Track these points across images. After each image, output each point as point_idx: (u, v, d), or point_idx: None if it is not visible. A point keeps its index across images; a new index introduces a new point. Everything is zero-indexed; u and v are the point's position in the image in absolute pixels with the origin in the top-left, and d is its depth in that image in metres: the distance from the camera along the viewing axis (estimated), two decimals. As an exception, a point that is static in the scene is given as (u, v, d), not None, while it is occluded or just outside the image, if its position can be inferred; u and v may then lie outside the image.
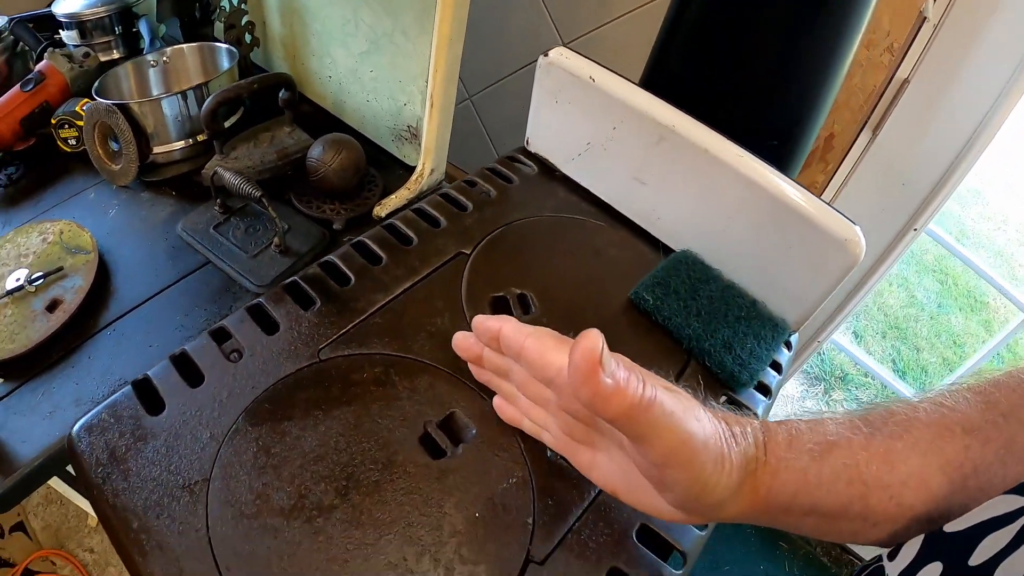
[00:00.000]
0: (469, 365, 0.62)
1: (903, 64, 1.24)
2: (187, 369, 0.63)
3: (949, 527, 0.40)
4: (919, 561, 0.40)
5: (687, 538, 0.57)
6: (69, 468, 0.91)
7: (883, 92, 1.28)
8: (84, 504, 1.02)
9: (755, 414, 0.68)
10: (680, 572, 0.55)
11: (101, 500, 0.54)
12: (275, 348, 0.64)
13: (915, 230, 1.35)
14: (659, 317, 0.72)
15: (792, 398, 2.08)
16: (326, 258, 0.72)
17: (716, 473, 0.44)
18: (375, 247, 0.74)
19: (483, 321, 0.56)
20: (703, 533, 0.58)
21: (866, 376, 2.20)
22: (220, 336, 0.65)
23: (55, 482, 0.96)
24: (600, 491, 0.58)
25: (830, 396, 2.07)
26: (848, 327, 2.45)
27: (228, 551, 0.51)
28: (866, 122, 1.31)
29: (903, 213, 1.35)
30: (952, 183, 1.29)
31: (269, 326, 0.66)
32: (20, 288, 0.88)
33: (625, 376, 0.41)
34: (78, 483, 0.58)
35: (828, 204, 0.70)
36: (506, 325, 0.53)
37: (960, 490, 0.43)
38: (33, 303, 0.88)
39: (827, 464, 0.45)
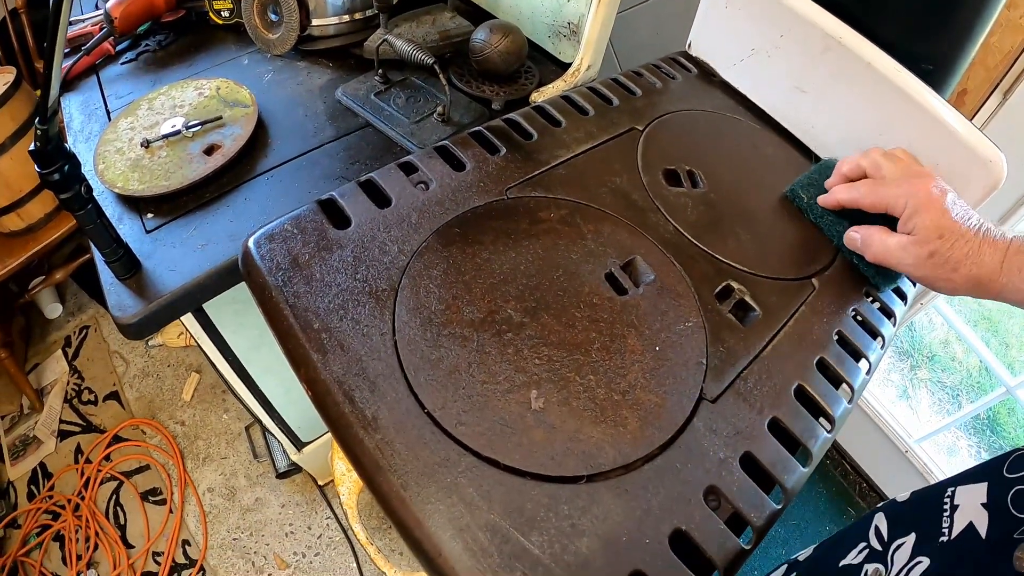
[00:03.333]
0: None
1: None
2: (374, 193, 0.64)
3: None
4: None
5: (836, 405, 0.59)
6: (208, 309, 0.95)
7: (1019, 56, 1.24)
8: (211, 351, 1.05)
9: (893, 315, 0.69)
10: (829, 435, 0.57)
11: (279, 302, 0.55)
12: (463, 183, 0.66)
13: None
14: (811, 215, 0.73)
15: (879, 370, 2.05)
16: (508, 115, 0.74)
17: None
18: (555, 112, 0.75)
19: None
20: (849, 405, 0.59)
21: (953, 360, 2.15)
22: (407, 168, 0.67)
23: (190, 323, 0.98)
24: (765, 346, 0.59)
25: (915, 374, 2.04)
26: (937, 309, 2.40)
27: (415, 354, 0.52)
28: (998, 84, 1.28)
29: (1022, 184, 1.30)
30: (1080, 161, 1.24)
31: (456, 164, 0.68)
32: (177, 133, 0.91)
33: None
34: (253, 291, 0.58)
35: (975, 127, 0.70)
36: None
37: None
38: (190, 147, 0.91)
39: None
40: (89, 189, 0.70)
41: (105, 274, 0.78)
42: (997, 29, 1.24)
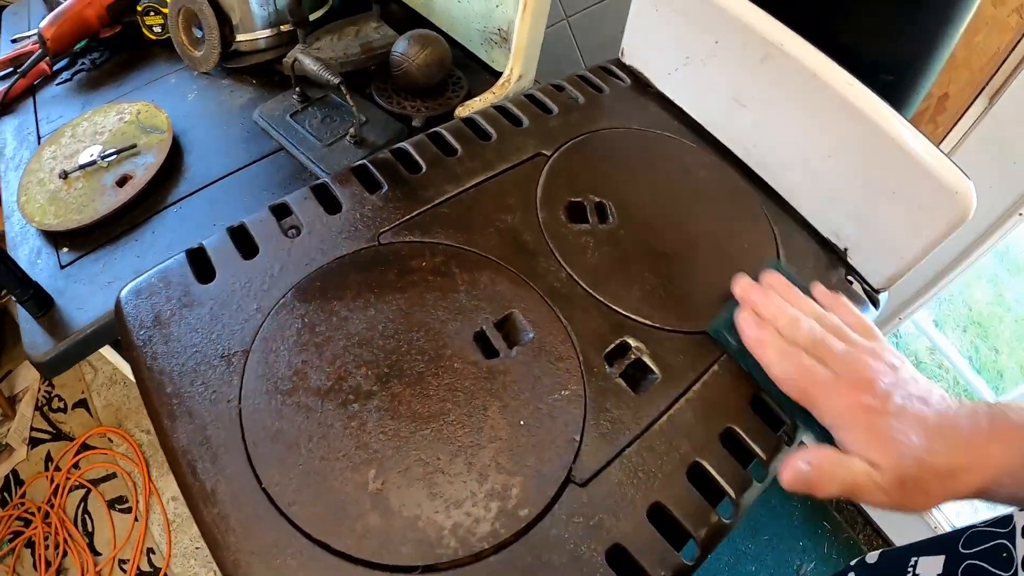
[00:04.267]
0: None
1: None
2: (243, 241, 0.59)
3: None
4: None
5: (739, 484, 0.52)
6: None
7: (1006, 57, 1.15)
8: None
9: None
10: (728, 521, 0.50)
11: (139, 361, 0.52)
12: (335, 228, 0.60)
13: (1020, 214, 1.21)
14: (742, 363, 0.58)
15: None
16: (398, 144, 0.67)
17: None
18: (451, 138, 0.68)
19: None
20: (760, 485, 0.53)
21: (940, 368, 2.06)
22: (280, 212, 0.62)
23: (115, 357, 0.96)
24: (656, 419, 0.52)
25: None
26: (929, 313, 2.30)
27: (257, 425, 0.48)
28: (984, 87, 1.18)
29: (1010, 194, 1.21)
30: (1070, 169, 1.15)
31: (332, 206, 0.62)
32: (92, 163, 0.88)
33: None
34: (123, 346, 0.56)
35: (943, 152, 0.61)
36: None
37: None
38: (104, 178, 0.87)
39: None
40: None
41: (21, 312, 0.75)
42: (983, 27, 1.15)
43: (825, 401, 0.51)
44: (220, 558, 0.44)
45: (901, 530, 1.68)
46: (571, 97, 0.76)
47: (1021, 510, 0.48)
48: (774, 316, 0.55)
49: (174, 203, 0.85)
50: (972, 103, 1.20)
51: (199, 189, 0.87)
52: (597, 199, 0.66)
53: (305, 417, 0.48)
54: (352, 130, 0.85)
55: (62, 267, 0.80)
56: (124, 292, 0.56)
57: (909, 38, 0.79)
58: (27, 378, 2.05)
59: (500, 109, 0.73)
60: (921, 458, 0.46)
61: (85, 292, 0.77)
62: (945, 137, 1.23)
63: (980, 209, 1.24)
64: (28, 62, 1.05)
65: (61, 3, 1.11)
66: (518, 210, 0.63)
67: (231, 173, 0.88)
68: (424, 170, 0.65)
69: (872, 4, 0.78)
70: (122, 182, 0.86)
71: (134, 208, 0.84)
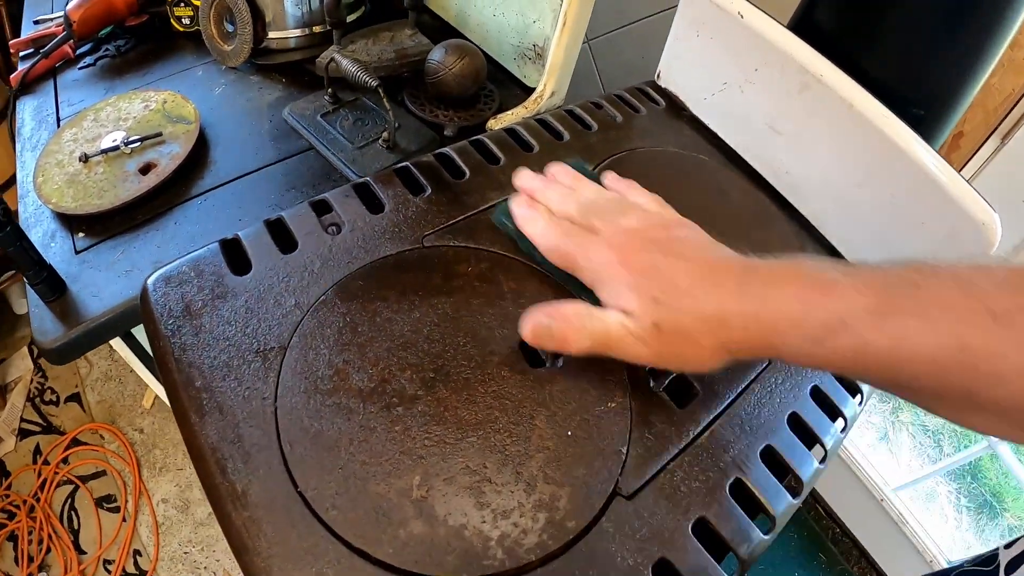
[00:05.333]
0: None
1: None
2: (281, 235, 0.58)
3: None
4: None
5: (779, 502, 0.51)
6: (135, 331, 0.89)
7: (1019, 100, 1.17)
8: (144, 374, 1.01)
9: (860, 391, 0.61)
10: (767, 537, 0.49)
11: (166, 353, 0.50)
12: (377, 227, 0.59)
13: None
14: (522, 245, 0.59)
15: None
16: (441, 150, 0.66)
17: None
18: (494, 147, 0.68)
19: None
20: (795, 501, 0.52)
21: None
22: (320, 208, 0.60)
23: (124, 349, 0.94)
24: (700, 434, 0.51)
25: (897, 416, 1.96)
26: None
27: (294, 425, 0.46)
28: (997, 127, 1.20)
29: (1018, 231, 1.23)
30: (1078, 210, 1.16)
31: (374, 205, 0.61)
32: (115, 148, 0.86)
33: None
34: (148, 336, 0.53)
35: (970, 184, 0.62)
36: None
37: None
38: (127, 164, 0.86)
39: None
40: (7, 211, 0.65)
41: (31, 296, 0.73)
42: (999, 70, 1.16)
43: (584, 261, 0.49)
44: (248, 563, 0.41)
45: (896, 563, 1.69)
46: (609, 115, 0.76)
47: (1007, 547, 0.47)
48: (547, 198, 0.54)
49: (199, 195, 0.84)
50: (985, 141, 1.22)
51: (225, 183, 0.86)
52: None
53: (346, 419, 0.47)
54: (385, 134, 0.84)
55: (77, 252, 0.78)
56: (152, 279, 0.54)
57: (940, 74, 0.80)
58: (20, 368, 2.02)
59: (541, 122, 0.72)
60: (681, 303, 0.44)
61: (101, 279, 0.76)
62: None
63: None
64: (51, 43, 1.04)
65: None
66: (563, 221, 0.62)
67: (259, 169, 0.87)
68: (468, 176, 0.64)
69: (907, 40, 0.79)
70: (145, 170, 0.85)
71: (156, 197, 0.83)
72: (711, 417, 0.53)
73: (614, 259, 0.47)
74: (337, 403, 0.47)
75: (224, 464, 0.44)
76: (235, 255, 0.56)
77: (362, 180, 0.62)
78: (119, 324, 0.74)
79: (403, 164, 0.64)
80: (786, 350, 0.42)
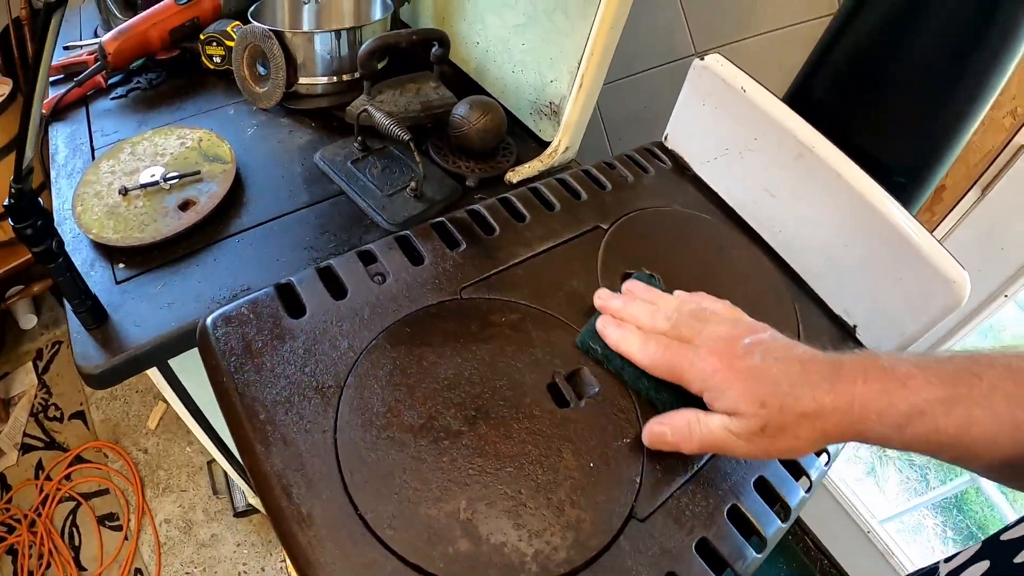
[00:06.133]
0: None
1: (1022, 131, 1.22)
2: (331, 282, 0.66)
3: (1006, 535, 0.43)
4: (970, 561, 0.43)
5: (769, 525, 0.60)
6: (171, 362, 0.96)
7: (999, 154, 1.27)
8: (175, 401, 1.07)
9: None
10: (759, 556, 0.57)
11: (230, 388, 0.57)
12: (419, 279, 0.68)
13: (1005, 296, 1.35)
14: (610, 366, 0.64)
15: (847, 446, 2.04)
16: (473, 207, 0.76)
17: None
18: (520, 205, 0.77)
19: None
20: (784, 525, 0.60)
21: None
22: (366, 258, 0.69)
23: (158, 378, 1.01)
24: (703, 465, 0.60)
25: (884, 451, 2.04)
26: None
27: (353, 455, 0.54)
28: (977, 180, 1.30)
29: (996, 277, 1.34)
30: (1051, 254, 1.25)
31: (415, 258, 0.70)
32: (155, 183, 0.93)
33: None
34: (208, 371, 0.60)
35: (943, 246, 0.72)
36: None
37: None
38: (167, 199, 0.92)
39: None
40: (61, 244, 0.71)
41: (73, 322, 0.79)
42: (979, 128, 1.26)
43: (690, 370, 0.55)
44: (314, 578, 0.48)
45: None
46: (621, 175, 0.86)
47: (946, 561, 0.50)
48: (634, 316, 0.61)
49: (236, 233, 0.90)
50: (966, 193, 1.32)
51: (261, 223, 0.92)
52: (649, 272, 0.75)
53: (399, 451, 0.55)
54: (413, 183, 0.93)
55: (117, 282, 0.84)
56: (210, 319, 0.61)
57: (921, 147, 0.91)
58: (24, 383, 2.07)
59: (561, 182, 0.82)
60: (784, 403, 0.49)
61: (143, 310, 0.81)
62: (940, 223, 1.35)
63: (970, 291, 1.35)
64: (86, 72, 1.11)
65: (115, 11, 1.18)
66: (582, 276, 0.72)
67: (293, 211, 0.94)
68: (498, 232, 0.73)
69: (892, 116, 0.89)
70: (185, 206, 0.91)
71: (195, 233, 0.89)
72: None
73: (720, 366, 0.53)
74: (391, 437, 0.56)
75: (290, 489, 0.52)
76: (290, 299, 0.65)
77: (402, 233, 0.71)
78: (160, 354, 0.80)
79: (439, 220, 0.73)
80: (871, 435, 0.49)
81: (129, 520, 1.83)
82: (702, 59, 0.85)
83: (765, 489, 0.62)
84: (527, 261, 0.72)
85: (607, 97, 1.51)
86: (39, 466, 1.92)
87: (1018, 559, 0.39)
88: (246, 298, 0.64)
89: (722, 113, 0.85)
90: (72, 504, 1.86)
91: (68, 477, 1.90)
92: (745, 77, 0.82)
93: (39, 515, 1.82)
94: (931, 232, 1.30)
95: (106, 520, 1.83)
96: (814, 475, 0.65)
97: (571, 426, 0.59)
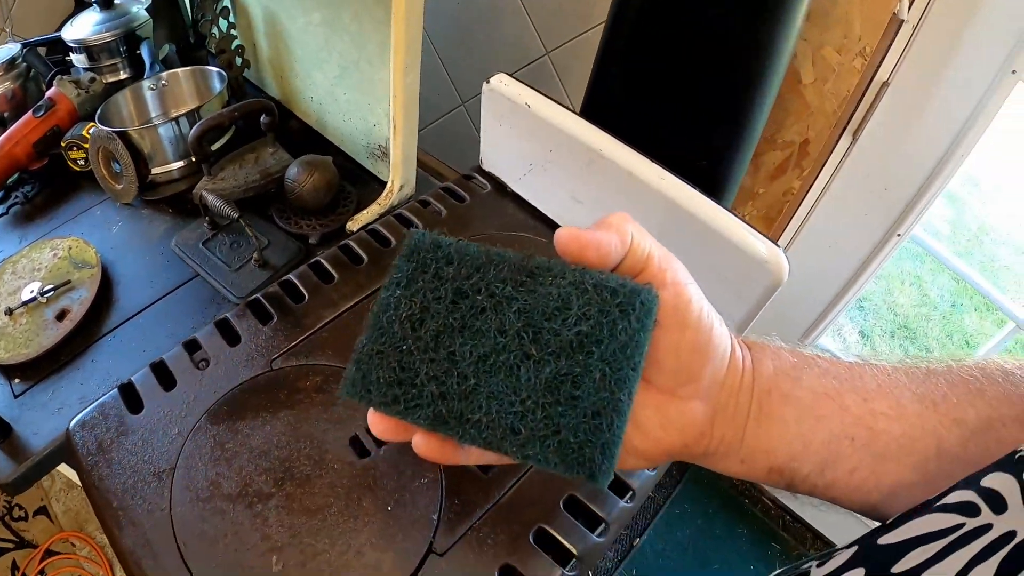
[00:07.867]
0: None
1: (882, 67, 1.27)
2: (163, 375, 0.76)
3: (883, 540, 0.40)
4: (844, 567, 0.41)
5: (582, 543, 0.66)
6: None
7: (862, 96, 1.32)
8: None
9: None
10: (574, 574, 0.65)
11: (89, 483, 0.68)
12: (236, 358, 0.77)
13: (899, 235, 1.39)
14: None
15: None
16: (285, 277, 0.85)
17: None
18: (328, 266, 0.86)
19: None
20: (601, 540, 0.67)
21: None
22: (191, 347, 0.79)
23: (69, 471, 1.10)
24: (504, 494, 0.69)
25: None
26: (855, 326, 2.49)
27: (185, 528, 0.65)
28: (845, 127, 1.36)
29: (886, 218, 1.39)
30: (936, 187, 1.31)
31: (232, 338, 0.79)
32: (33, 300, 1.01)
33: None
34: (75, 470, 0.73)
35: (750, 226, 0.74)
36: None
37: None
38: (45, 312, 1.00)
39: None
40: None
41: None
42: (830, 75, 1.32)
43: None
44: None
45: (849, 534, 1.82)
46: (435, 211, 0.95)
47: (819, 565, 0.44)
48: None
49: (108, 332, 0.99)
50: (837, 143, 1.37)
51: (129, 318, 1.00)
52: None
53: (221, 518, 0.65)
54: (255, 255, 1.01)
55: (15, 396, 0.92)
56: (72, 424, 0.73)
57: (716, 128, 0.98)
58: (-16, 492, 2.16)
59: (372, 232, 0.90)
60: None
61: (38, 418, 0.89)
62: (816, 178, 1.40)
63: (862, 235, 1.40)
64: None
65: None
66: (385, 326, 0.80)
67: (156, 301, 1.02)
68: (307, 299, 0.82)
69: (676, 103, 0.97)
70: (61, 316, 0.99)
71: (73, 339, 0.97)
72: (516, 477, 0.70)
73: None
74: (214, 507, 0.66)
75: (140, 563, 0.63)
76: (131, 396, 0.75)
77: (222, 317, 0.80)
78: (59, 455, 0.87)
79: (254, 297, 0.82)
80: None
81: (106, 603, 1.92)
82: (488, 82, 0.92)
83: (578, 507, 0.69)
84: (332, 322, 0.81)
85: (477, 110, 1.59)
86: (14, 566, 2.01)
87: (897, 568, 0.37)
88: (96, 402, 0.75)
89: (518, 131, 0.93)
90: (51, 599, 1.95)
91: (42, 572, 1.99)
92: (530, 93, 0.89)
93: (21, 615, 1.91)
94: (807, 188, 1.37)
95: (85, 607, 1.93)
96: (635, 484, 0.71)
97: (370, 474, 0.68)
